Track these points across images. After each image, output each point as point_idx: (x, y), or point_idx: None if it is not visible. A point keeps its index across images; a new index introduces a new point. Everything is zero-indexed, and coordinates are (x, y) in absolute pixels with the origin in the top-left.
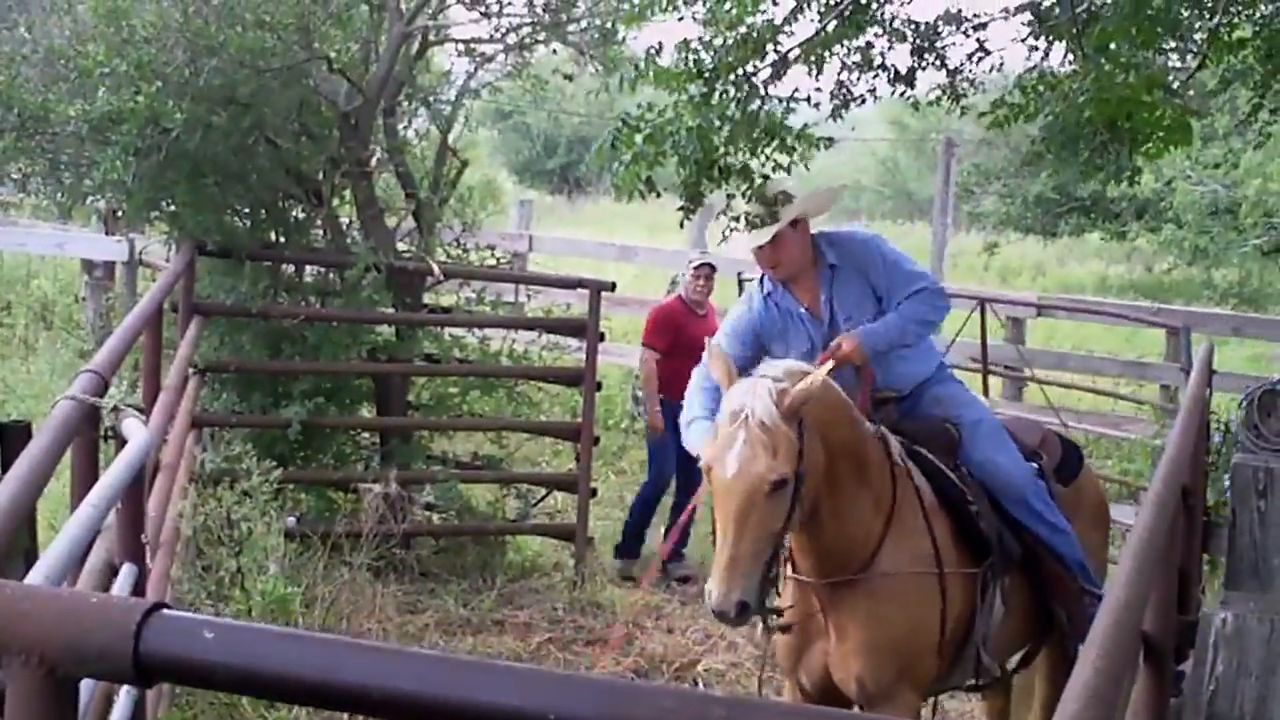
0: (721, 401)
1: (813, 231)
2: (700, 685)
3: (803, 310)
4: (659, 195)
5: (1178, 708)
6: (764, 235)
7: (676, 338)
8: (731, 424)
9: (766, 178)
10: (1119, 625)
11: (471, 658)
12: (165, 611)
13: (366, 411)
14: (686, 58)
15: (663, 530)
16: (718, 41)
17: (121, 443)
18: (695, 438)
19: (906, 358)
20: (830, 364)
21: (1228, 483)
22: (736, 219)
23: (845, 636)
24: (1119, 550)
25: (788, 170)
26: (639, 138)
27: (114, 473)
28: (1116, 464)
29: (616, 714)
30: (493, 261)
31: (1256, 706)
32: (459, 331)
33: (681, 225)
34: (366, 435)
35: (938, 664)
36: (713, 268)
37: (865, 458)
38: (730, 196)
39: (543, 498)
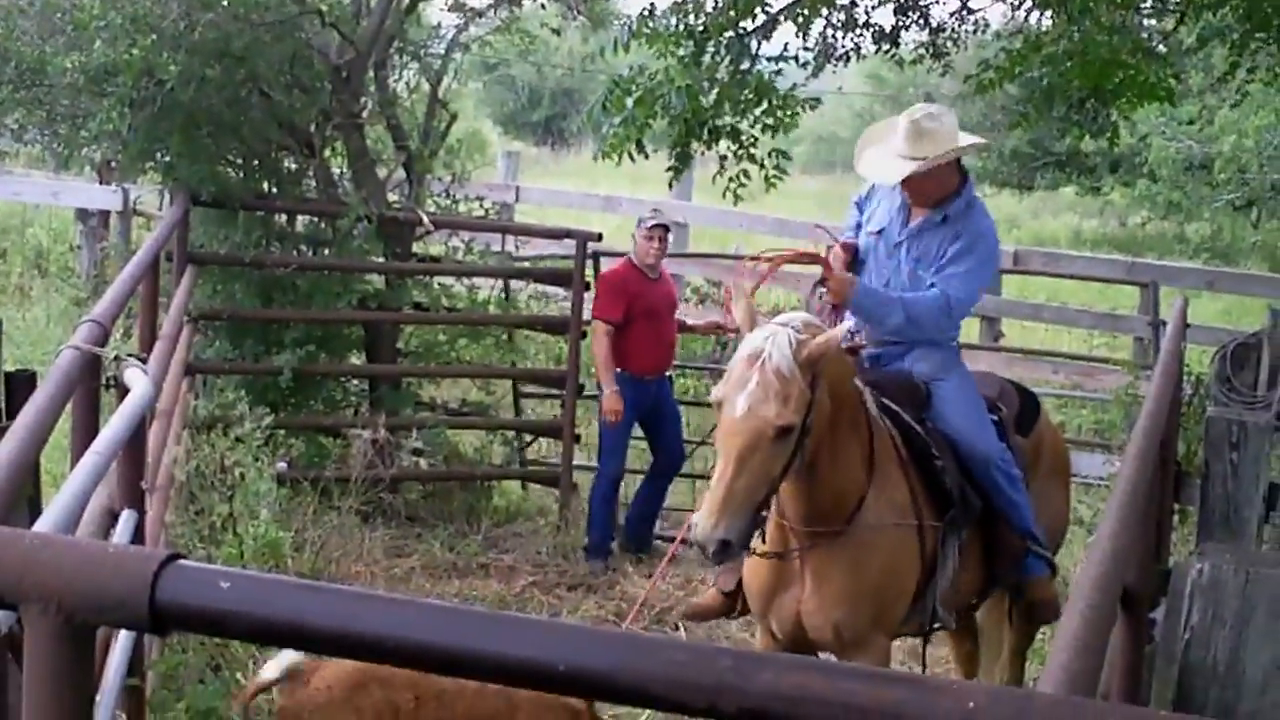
0: (740, 344)
1: (972, 189)
2: (681, 629)
3: (906, 212)
4: (647, 157)
5: (1150, 655)
6: (903, 171)
7: (631, 305)
8: (748, 366)
9: (755, 139)
10: (1105, 577)
11: (484, 609)
12: (181, 562)
13: (356, 359)
14: (678, 21)
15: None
16: (709, 5)
17: (122, 391)
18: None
19: (924, 359)
20: (849, 324)
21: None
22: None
23: (824, 584)
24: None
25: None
26: (629, 100)
27: (117, 421)
28: (1091, 413)
29: (627, 666)
30: (480, 212)
31: (1230, 655)
32: (447, 280)
33: (670, 186)
34: (356, 382)
35: (904, 612)
36: (667, 228)
37: (857, 412)
38: (723, 158)
39: (528, 444)
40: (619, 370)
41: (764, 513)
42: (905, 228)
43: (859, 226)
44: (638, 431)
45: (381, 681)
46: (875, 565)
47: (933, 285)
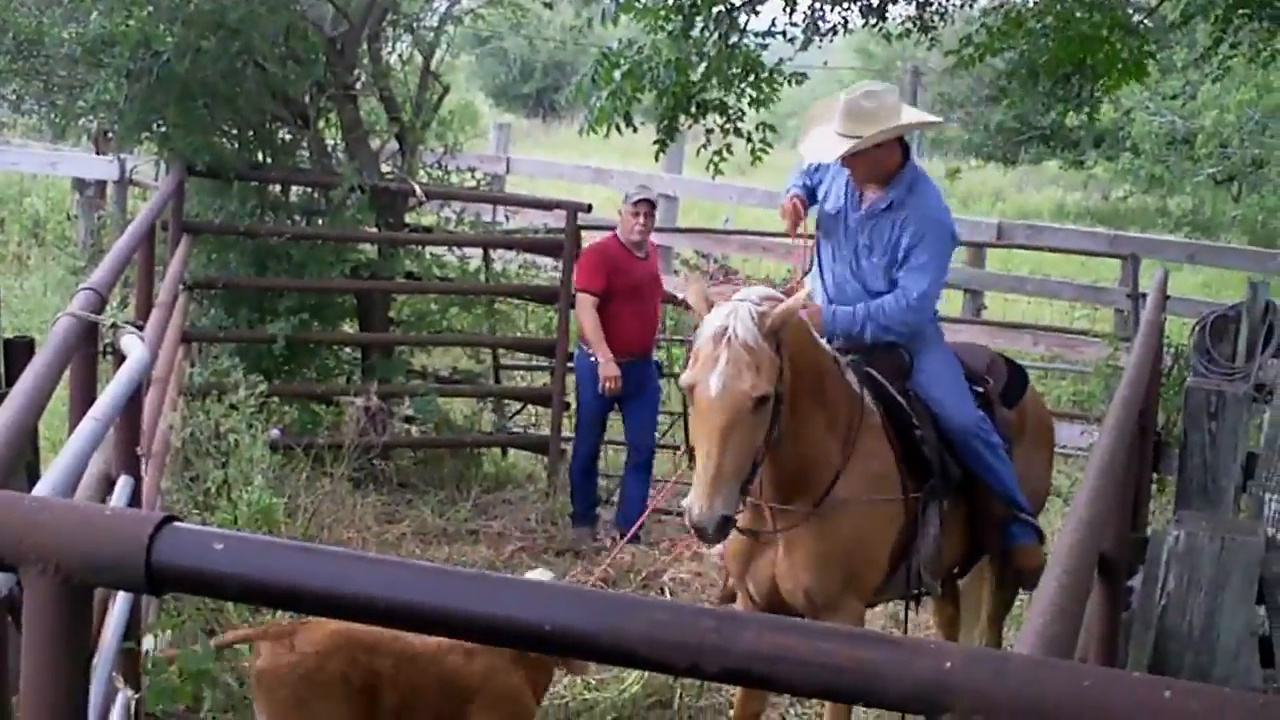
0: (701, 324)
1: (916, 163)
2: (667, 594)
3: (856, 195)
4: (635, 130)
5: (1127, 621)
6: (837, 150)
7: (613, 281)
8: (714, 345)
9: (743, 114)
10: (1082, 543)
11: (473, 570)
12: (177, 524)
13: (349, 327)
14: None
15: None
16: None
17: (119, 358)
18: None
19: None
20: (806, 290)
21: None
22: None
23: (796, 550)
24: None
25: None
26: (618, 73)
27: (114, 388)
28: (1071, 384)
29: (611, 626)
30: (472, 183)
31: (1205, 621)
32: (439, 250)
33: (656, 158)
34: (349, 350)
35: (880, 577)
36: (652, 204)
37: (824, 380)
38: (709, 131)
39: (518, 411)
40: (588, 353)
41: (749, 487)
42: (856, 212)
43: (810, 191)
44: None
45: (365, 647)
46: (844, 532)
47: (894, 283)
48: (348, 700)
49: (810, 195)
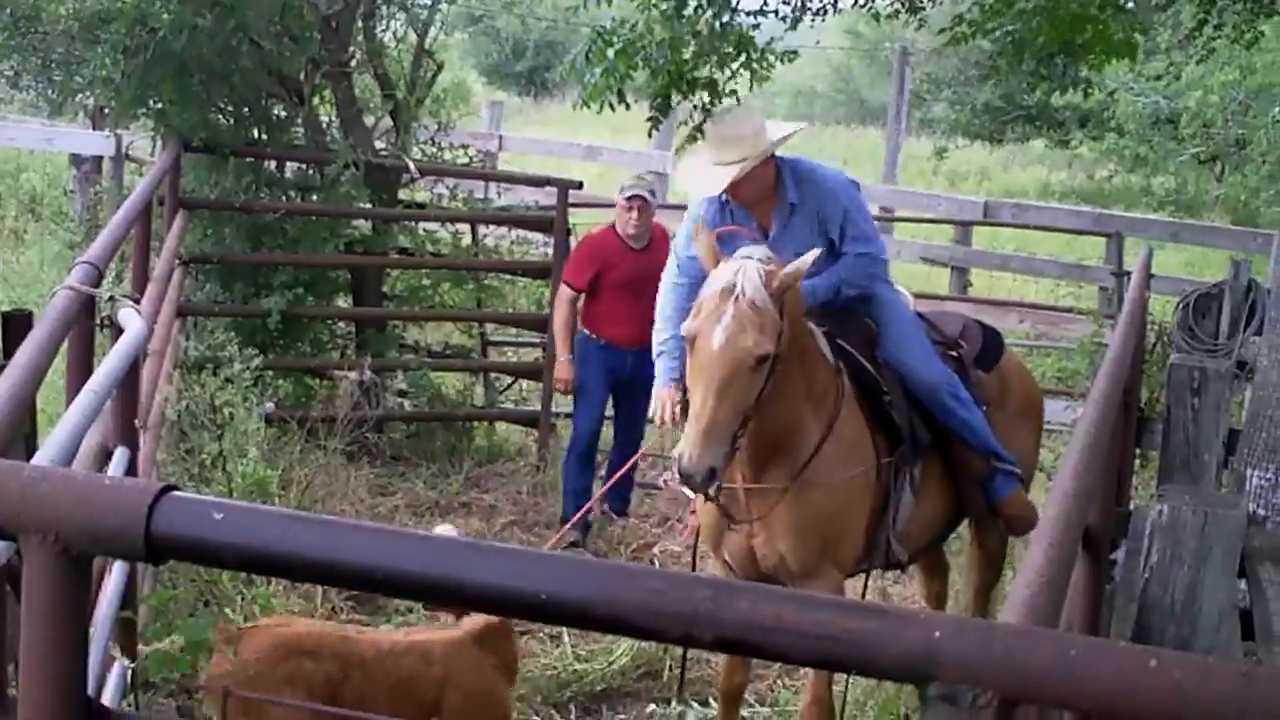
0: (709, 277)
1: (789, 157)
2: (656, 566)
3: (754, 223)
4: (629, 107)
5: (1110, 593)
6: (721, 183)
7: (605, 275)
8: (720, 300)
9: (734, 92)
10: (1067, 516)
11: (470, 539)
12: (175, 494)
13: (343, 302)
14: None
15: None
16: None
17: (117, 332)
18: (659, 378)
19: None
20: (817, 252)
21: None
22: (695, 135)
23: (771, 518)
24: (1044, 446)
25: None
26: (611, 51)
27: (112, 360)
28: (1056, 361)
29: (608, 595)
30: (465, 160)
31: (1187, 593)
32: (432, 226)
33: (650, 135)
34: (343, 325)
35: (858, 547)
36: (645, 198)
37: (808, 349)
38: (696, 108)
39: (509, 385)
40: (592, 335)
41: (737, 445)
42: (768, 221)
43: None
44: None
45: (309, 653)
46: (820, 501)
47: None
48: (296, 707)
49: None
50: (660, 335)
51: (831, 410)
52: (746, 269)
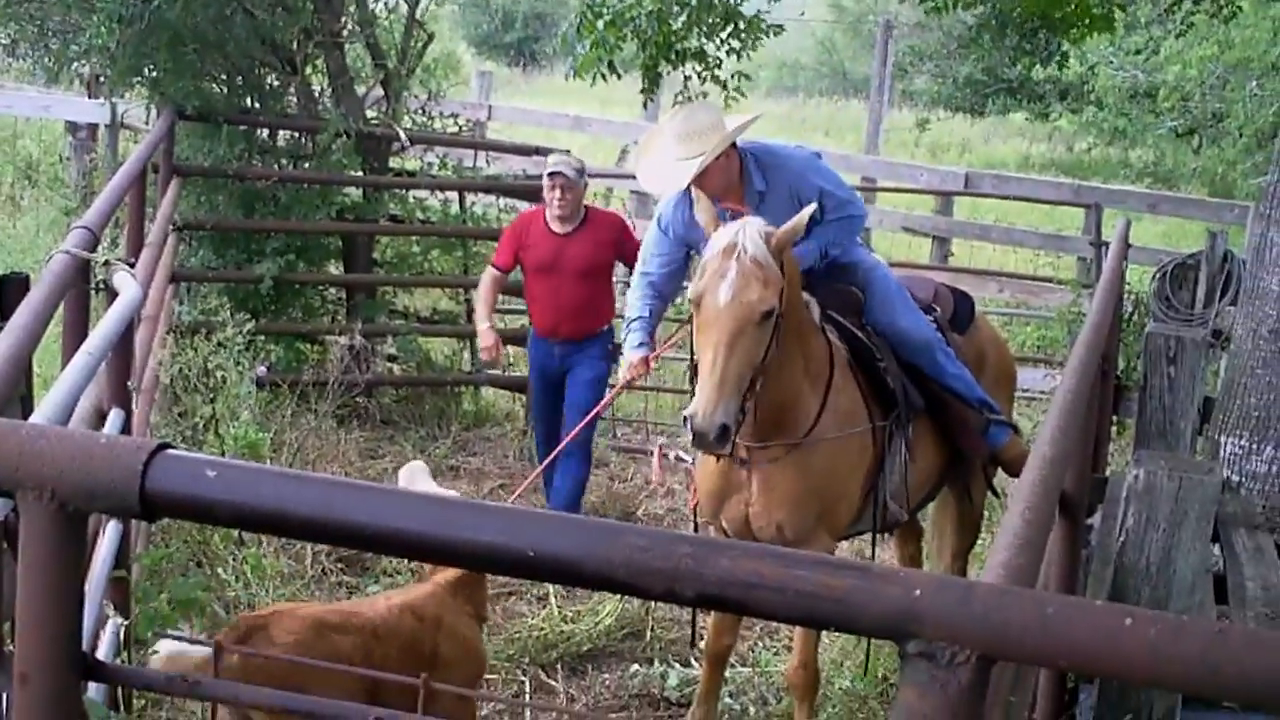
0: (710, 240)
1: (748, 145)
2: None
3: (727, 216)
4: (620, 79)
5: (1086, 557)
6: (685, 177)
7: (522, 255)
8: (723, 258)
9: (720, 62)
10: (1044, 481)
11: (458, 497)
12: (169, 451)
13: (334, 268)
14: None
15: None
16: None
17: (112, 296)
18: (628, 348)
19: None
20: (812, 208)
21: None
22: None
23: (770, 488)
24: (1022, 414)
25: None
26: (601, 23)
27: (107, 323)
28: (1035, 330)
29: (593, 551)
30: (454, 129)
31: (1162, 557)
32: (422, 194)
33: (645, 105)
34: (333, 290)
35: (852, 511)
36: (567, 176)
37: (803, 318)
38: (687, 78)
39: None
40: (528, 323)
41: (747, 403)
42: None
43: (671, 278)
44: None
45: (335, 628)
46: (818, 469)
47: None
48: (329, 682)
49: (674, 270)
50: (629, 314)
51: (827, 380)
52: (746, 228)
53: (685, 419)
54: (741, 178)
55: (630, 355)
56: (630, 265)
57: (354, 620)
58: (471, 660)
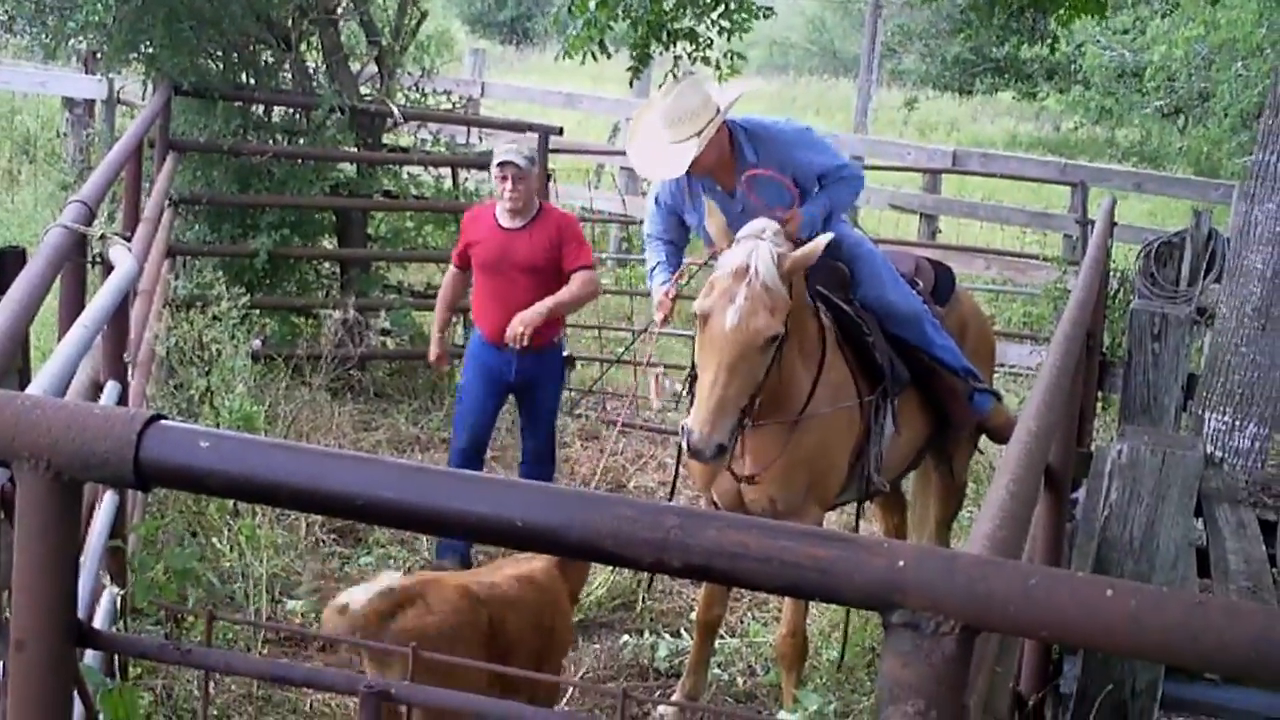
0: (721, 257)
1: (738, 119)
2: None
3: (718, 189)
4: (610, 57)
5: (1071, 531)
6: (683, 161)
7: (471, 251)
8: (734, 280)
9: (711, 42)
10: (1029, 455)
11: (448, 469)
12: (164, 422)
13: (328, 243)
14: None
15: None
16: None
17: (108, 269)
18: (655, 291)
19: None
20: (828, 237)
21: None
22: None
23: (762, 462)
24: (1009, 390)
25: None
26: (592, 3)
27: (103, 296)
28: (1021, 306)
29: (579, 521)
30: (448, 106)
31: (1145, 531)
32: (415, 170)
33: (631, 84)
34: (328, 265)
35: (840, 483)
36: (519, 166)
37: (803, 308)
38: (678, 58)
39: None
40: (476, 324)
41: (746, 419)
42: (730, 200)
43: (677, 226)
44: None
45: (480, 599)
46: (809, 443)
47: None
48: (474, 653)
49: (678, 230)
50: (650, 262)
51: (819, 359)
52: (759, 250)
53: (682, 428)
54: (733, 151)
55: (657, 294)
56: (567, 271)
57: (492, 592)
58: (569, 638)
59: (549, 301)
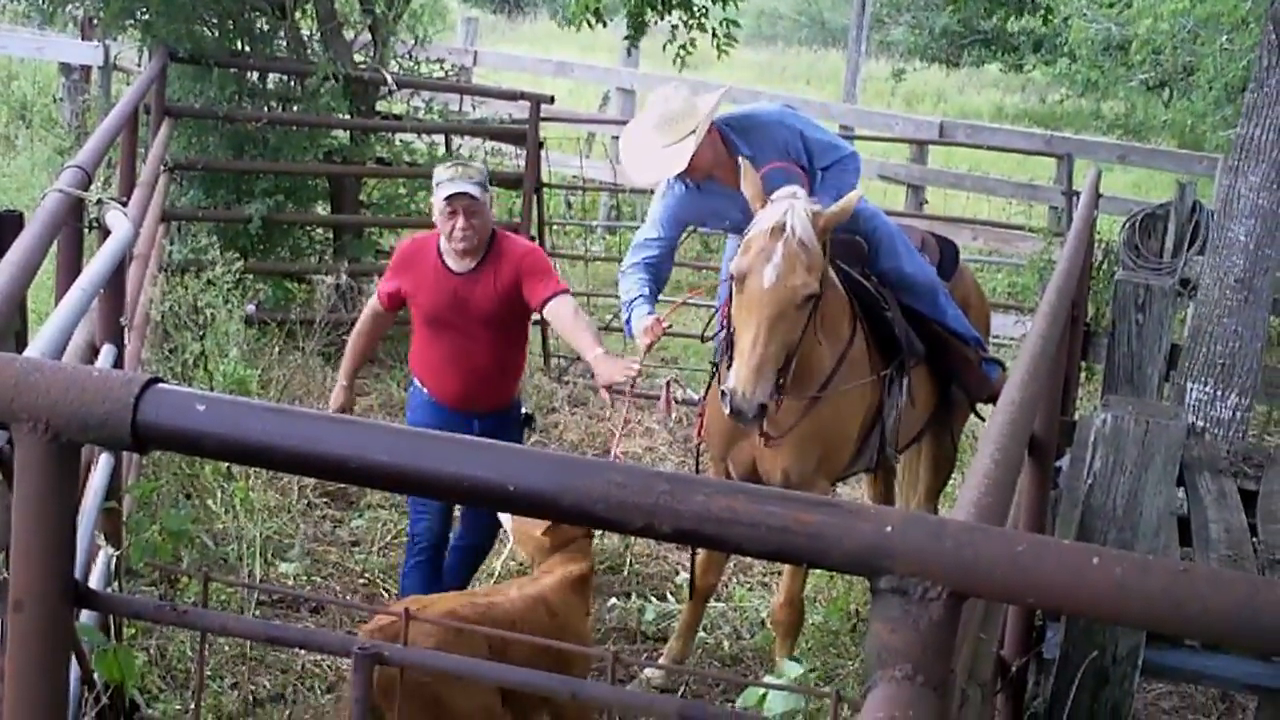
0: (757, 216)
1: (719, 118)
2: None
3: (731, 189)
4: (605, 25)
5: (1055, 499)
6: (681, 160)
7: (410, 297)
8: (770, 239)
9: (707, 10)
10: (1013, 423)
11: (441, 433)
12: (161, 385)
13: (322, 209)
14: None
15: None
16: None
17: (104, 234)
18: (636, 319)
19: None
20: (859, 193)
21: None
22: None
23: (780, 435)
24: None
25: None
26: None
27: (100, 260)
28: (1007, 277)
29: (571, 486)
30: (441, 74)
31: (1128, 499)
32: (409, 137)
33: (629, 52)
34: (321, 231)
35: (849, 455)
36: (473, 196)
37: (829, 280)
38: (674, 27)
39: None
40: (418, 382)
41: (784, 380)
42: (728, 196)
43: (671, 251)
44: None
45: (475, 622)
46: (826, 417)
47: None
48: (466, 680)
49: (667, 257)
50: (627, 296)
51: (843, 334)
52: (795, 208)
53: (723, 393)
54: (727, 148)
55: (642, 323)
56: (530, 309)
57: (489, 614)
58: (587, 659)
59: (594, 337)
